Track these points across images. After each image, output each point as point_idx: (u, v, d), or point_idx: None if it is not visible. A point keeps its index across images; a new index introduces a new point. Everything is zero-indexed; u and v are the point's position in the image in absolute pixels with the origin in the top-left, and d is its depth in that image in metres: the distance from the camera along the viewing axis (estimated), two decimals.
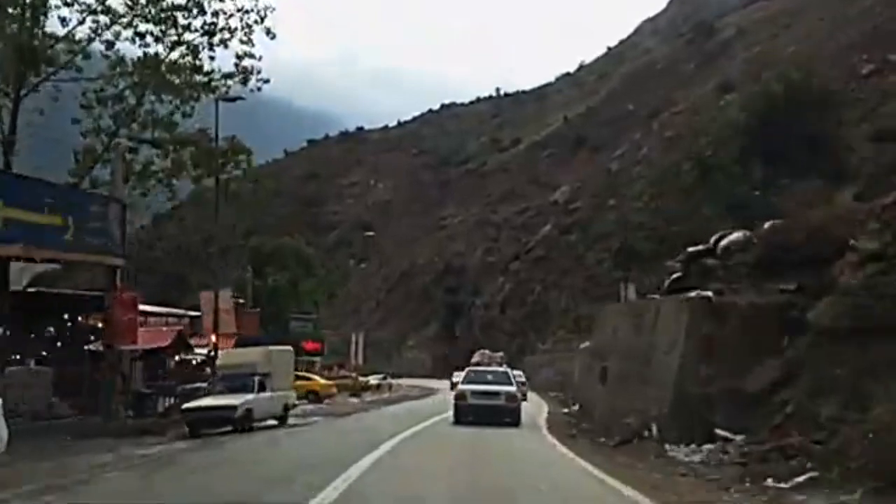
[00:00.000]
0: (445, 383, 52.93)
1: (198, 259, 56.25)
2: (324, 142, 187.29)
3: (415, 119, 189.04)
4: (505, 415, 21.31)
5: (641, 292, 32.97)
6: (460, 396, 22.25)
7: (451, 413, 23.04)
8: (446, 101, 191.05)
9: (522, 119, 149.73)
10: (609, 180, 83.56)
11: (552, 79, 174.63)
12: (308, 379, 39.41)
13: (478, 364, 31.03)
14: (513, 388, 22.50)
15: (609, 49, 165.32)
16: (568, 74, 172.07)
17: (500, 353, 40.43)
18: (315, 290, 55.99)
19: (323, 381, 40.96)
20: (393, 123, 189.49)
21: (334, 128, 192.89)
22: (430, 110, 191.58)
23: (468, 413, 21.50)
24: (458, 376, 37.66)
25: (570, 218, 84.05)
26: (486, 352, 39.91)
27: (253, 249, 54.36)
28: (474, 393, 21.94)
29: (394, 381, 64.24)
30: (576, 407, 28.97)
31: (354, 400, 42.80)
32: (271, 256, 53.49)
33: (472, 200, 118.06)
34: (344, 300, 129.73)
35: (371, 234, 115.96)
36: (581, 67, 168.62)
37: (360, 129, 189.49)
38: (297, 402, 27.95)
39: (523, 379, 38.46)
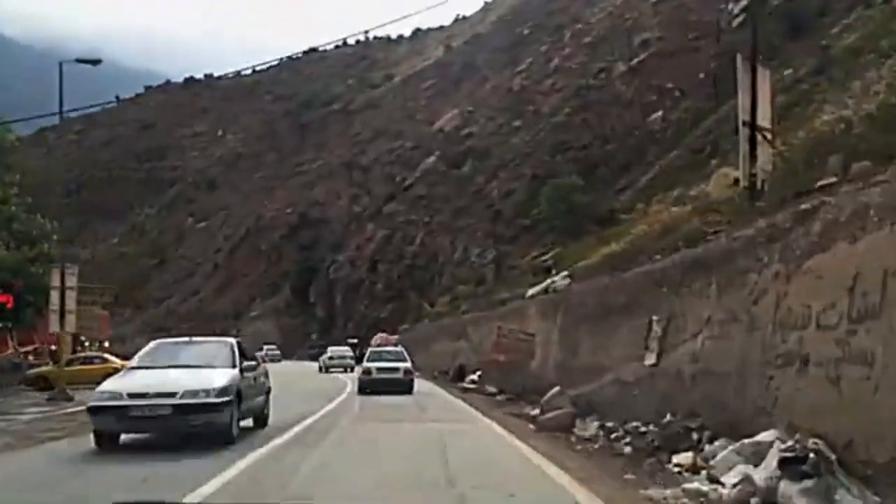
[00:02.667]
0: (288, 367, 42.30)
1: None
2: (164, 87, 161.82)
3: (271, 67, 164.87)
4: (402, 386, 23.61)
5: None
6: (366, 372, 24.85)
7: None
8: (306, 48, 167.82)
9: (395, 60, 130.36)
10: (511, 99, 64.87)
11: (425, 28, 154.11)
12: None
13: (378, 345, 34.43)
14: (408, 364, 25.04)
15: (486, 3, 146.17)
16: (443, 27, 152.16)
17: (396, 337, 44.35)
18: (8, 198, 29.65)
19: None
20: (247, 71, 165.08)
21: None
22: (290, 57, 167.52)
23: (372, 385, 23.81)
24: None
25: (460, 146, 64.55)
26: (385, 335, 45.43)
27: None
28: (378, 369, 24.65)
29: None
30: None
31: (31, 414, 17.95)
32: None
33: (337, 142, 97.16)
34: (177, 265, 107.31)
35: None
36: (457, 20, 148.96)
37: (209, 75, 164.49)
38: None
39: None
